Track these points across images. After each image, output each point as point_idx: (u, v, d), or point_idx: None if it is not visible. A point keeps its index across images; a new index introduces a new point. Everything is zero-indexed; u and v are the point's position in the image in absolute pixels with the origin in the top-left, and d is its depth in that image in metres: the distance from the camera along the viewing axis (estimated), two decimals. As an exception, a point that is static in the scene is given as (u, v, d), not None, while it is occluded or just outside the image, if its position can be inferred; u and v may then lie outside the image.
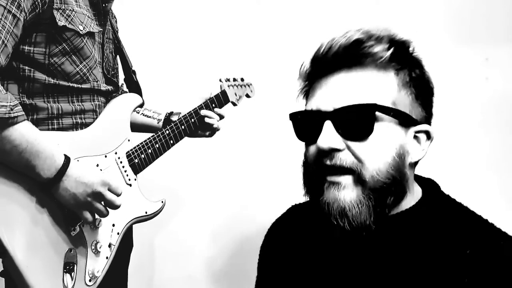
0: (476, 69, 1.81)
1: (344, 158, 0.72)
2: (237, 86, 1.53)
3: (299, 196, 0.98)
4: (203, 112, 1.39)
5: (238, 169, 1.95)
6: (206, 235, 1.98)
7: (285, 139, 1.85)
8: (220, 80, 1.49)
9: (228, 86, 1.48)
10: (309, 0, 1.93)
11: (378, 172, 0.71)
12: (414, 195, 0.79)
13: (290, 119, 0.81)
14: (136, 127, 1.42)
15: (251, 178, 1.93)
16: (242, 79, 1.57)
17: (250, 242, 1.90)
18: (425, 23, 1.82)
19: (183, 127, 1.35)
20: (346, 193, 0.72)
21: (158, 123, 1.45)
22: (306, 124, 0.78)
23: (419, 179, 0.83)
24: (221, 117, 1.44)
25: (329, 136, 0.72)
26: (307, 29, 1.87)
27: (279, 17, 1.94)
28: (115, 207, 1.10)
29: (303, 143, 0.81)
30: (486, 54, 1.81)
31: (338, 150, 0.72)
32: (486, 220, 0.75)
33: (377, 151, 0.71)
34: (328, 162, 0.73)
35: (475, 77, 1.81)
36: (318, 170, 0.76)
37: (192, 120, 1.38)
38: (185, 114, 1.38)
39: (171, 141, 1.32)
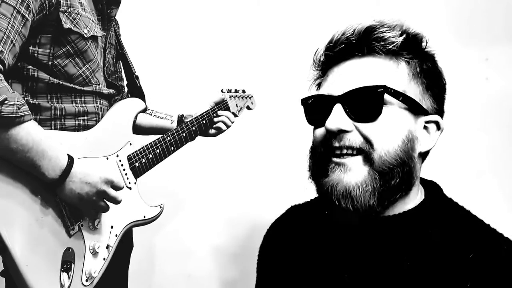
0: (476, 69, 1.81)
1: (353, 139, 0.73)
2: (238, 97, 1.56)
3: (298, 197, 0.98)
4: (221, 112, 1.45)
5: (237, 170, 1.94)
6: (206, 235, 1.98)
7: (284, 140, 1.86)
8: (222, 91, 1.52)
9: (230, 97, 1.51)
10: (308, 1, 1.93)
11: (386, 153, 0.71)
12: (418, 195, 0.79)
13: (301, 104, 0.82)
14: (148, 129, 1.44)
15: (250, 179, 1.93)
16: (243, 91, 1.60)
17: (249, 242, 1.90)
18: (425, 23, 1.80)
19: (193, 128, 1.38)
20: (351, 175, 0.72)
21: (171, 123, 1.48)
22: (316, 108, 0.79)
23: (422, 181, 0.83)
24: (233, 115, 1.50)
25: (337, 118, 0.73)
26: (306, 30, 1.86)
27: (278, 18, 1.94)
28: (118, 202, 1.13)
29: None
30: (486, 54, 1.81)
31: (346, 132, 0.73)
32: (488, 225, 0.75)
33: (386, 133, 0.72)
34: (336, 144, 0.74)
35: (475, 77, 1.81)
36: (325, 152, 0.76)
37: (204, 122, 1.42)
38: (197, 116, 1.41)
39: (172, 148, 1.32)
